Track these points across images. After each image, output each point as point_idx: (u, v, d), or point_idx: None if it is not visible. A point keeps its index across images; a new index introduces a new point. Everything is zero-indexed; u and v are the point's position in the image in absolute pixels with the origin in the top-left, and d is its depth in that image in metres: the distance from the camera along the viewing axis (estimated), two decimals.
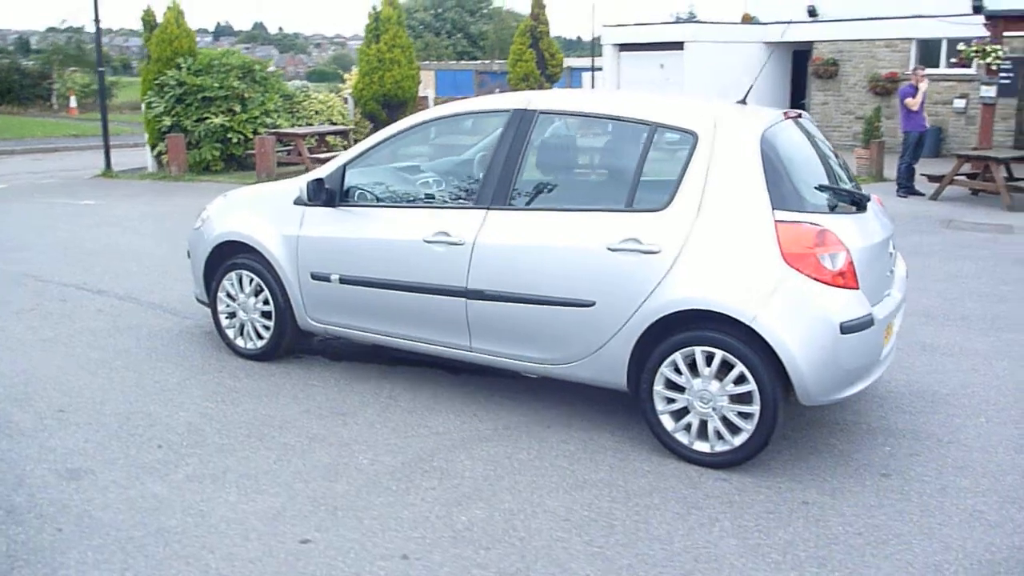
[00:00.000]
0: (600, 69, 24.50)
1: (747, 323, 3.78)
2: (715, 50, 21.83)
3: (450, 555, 3.29)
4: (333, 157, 14.38)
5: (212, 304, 5.51)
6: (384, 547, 3.33)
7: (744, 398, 3.88)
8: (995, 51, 13.35)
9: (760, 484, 3.87)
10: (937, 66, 19.64)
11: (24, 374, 5.16)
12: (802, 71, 24.64)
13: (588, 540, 3.40)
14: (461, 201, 4.68)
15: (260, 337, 5.35)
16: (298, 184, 5.13)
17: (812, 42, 22.06)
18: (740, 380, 3.86)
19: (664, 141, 4.19)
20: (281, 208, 5.16)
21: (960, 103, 19.20)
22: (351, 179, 4.93)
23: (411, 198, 4.96)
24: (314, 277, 5.00)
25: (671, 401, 4.06)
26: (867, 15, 20.38)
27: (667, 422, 4.08)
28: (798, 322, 3.76)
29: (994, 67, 13.45)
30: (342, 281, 4.88)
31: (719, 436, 3.96)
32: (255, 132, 14.63)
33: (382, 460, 4.08)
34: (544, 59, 20.05)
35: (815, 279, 3.77)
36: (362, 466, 4.01)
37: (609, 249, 4.07)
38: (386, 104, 17.34)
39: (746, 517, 3.59)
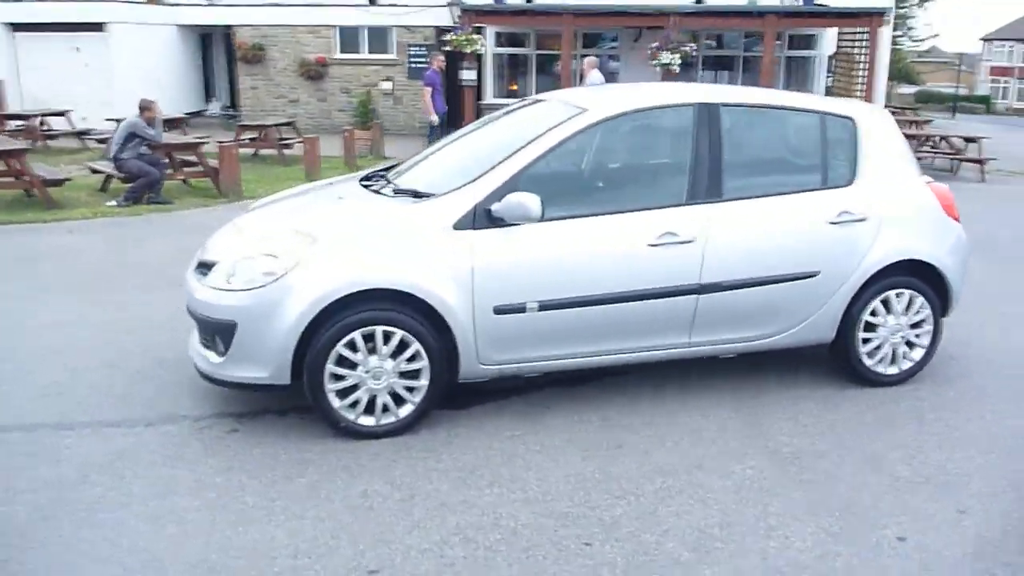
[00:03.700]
0: None
1: (935, 264, 4.84)
2: (139, 33, 20.02)
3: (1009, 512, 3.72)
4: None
5: (317, 382, 4.06)
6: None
7: (919, 324, 4.95)
8: (477, 40, 15.74)
9: (919, 392, 4.92)
10: (359, 52, 21.58)
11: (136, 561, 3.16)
12: (210, 55, 24.20)
13: (986, 458, 4.16)
14: (668, 199, 4.52)
15: (400, 404, 4.22)
16: (445, 205, 4.18)
17: (230, 26, 21.83)
18: (917, 310, 4.92)
19: (828, 127, 4.86)
20: (429, 237, 4.13)
21: (387, 85, 21.50)
22: (527, 190, 4.27)
23: (603, 203, 4.52)
24: (498, 312, 4.21)
25: (867, 342, 4.89)
26: (287, 1, 21.09)
27: (867, 360, 4.91)
28: (958, 256, 4.99)
29: (480, 53, 15.85)
30: (542, 308, 4.26)
31: (903, 358, 4.96)
32: None
33: (733, 469, 4.02)
34: None
35: (957, 221, 5.03)
36: (727, 483, 3.89)
37: (830, 223, 4.65)
38: None
39: (970, 416, 4.69)
